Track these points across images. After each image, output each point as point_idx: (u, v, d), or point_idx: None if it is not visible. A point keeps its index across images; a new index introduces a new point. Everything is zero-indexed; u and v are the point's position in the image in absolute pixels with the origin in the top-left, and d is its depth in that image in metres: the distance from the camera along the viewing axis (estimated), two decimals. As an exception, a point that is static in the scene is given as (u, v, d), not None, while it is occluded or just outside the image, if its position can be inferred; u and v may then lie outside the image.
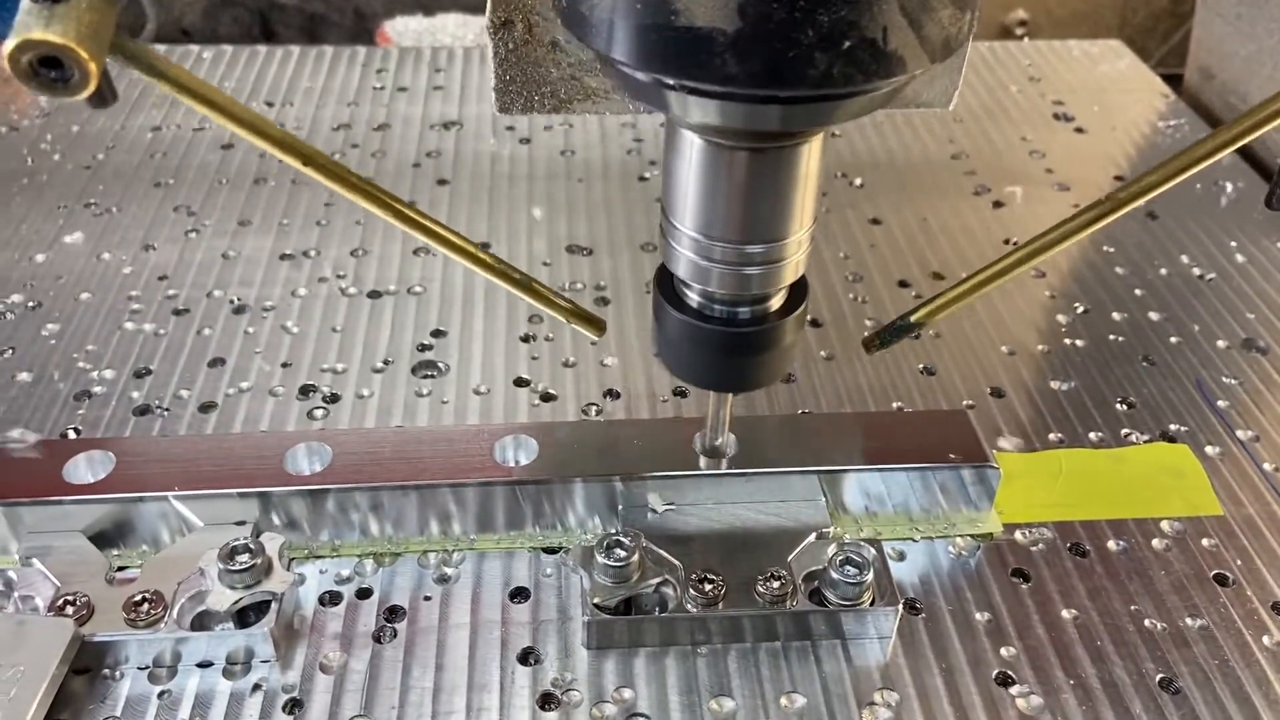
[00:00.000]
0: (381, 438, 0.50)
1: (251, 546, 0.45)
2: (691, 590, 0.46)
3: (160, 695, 0.43)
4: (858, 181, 0.77)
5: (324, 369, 0.59)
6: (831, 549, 0.47)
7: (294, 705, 0.43)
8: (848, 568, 0.46)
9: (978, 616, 0.48)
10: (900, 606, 0.46)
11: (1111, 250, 0.70)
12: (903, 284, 0.67)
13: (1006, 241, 0.71)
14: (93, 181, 0.73)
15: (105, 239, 0.68)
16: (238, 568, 0.45)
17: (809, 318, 0.63)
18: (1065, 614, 0.48)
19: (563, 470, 0.49)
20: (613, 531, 0.46)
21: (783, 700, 0.44)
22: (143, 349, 0.60)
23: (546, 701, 0.44)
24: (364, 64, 0.88)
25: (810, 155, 0.37)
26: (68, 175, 0.74)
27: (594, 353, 0.61)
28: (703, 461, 0.49)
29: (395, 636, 0.46)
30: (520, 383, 0.58)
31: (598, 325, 0.45)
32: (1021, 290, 0.67)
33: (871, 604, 0.46)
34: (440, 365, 0.59)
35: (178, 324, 0.62)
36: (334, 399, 0.57)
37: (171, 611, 0.44)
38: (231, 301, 0.63)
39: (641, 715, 0.43)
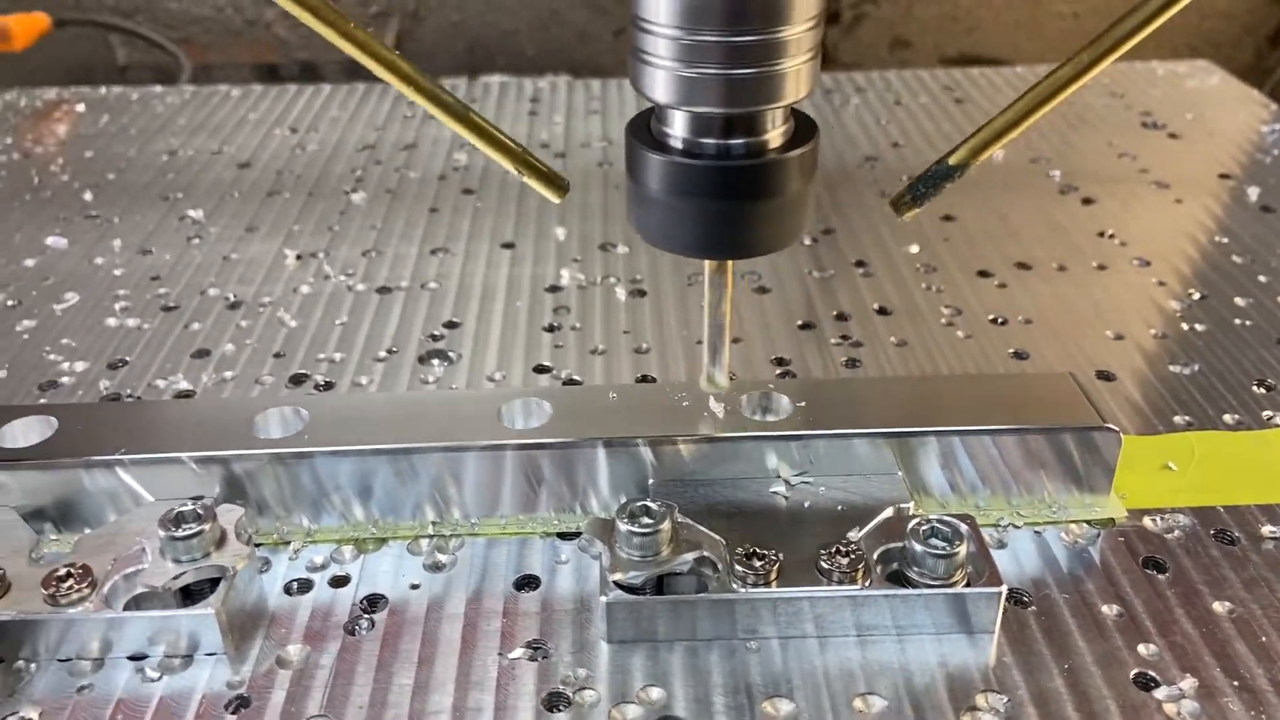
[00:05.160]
0: (368, 402, 0.42)
1: (200, 511, 0.37)
2: (738, 567, 0.36)
3: (80, 690, 0.35)
4: (926, 184, 0.69)
5: (320, 358, 0.52)
6: (913, 521, 0.37)
7: (240, 704, 0.35)
8: (935, 540, 0.37)
9: (1104, 610, 0.38)
10: (1004, 591, 0.36)
11: (1225, 240, 0.61)
12: (983, 274, 0.58)
13: (1101, 234, 0.62)
14: (99, 197, 0.68)
15: (100, 245, 0.62)
16: (183, 534, 0.37)
17: (879, 306, 0.55)
18: (1218, 607, 0.38)
19: (581, 434, 0.40)
20: (636, 498, 0.38)
21: (856, 703, 0.34)
22: (122, 342, 0.53)
23: (554, 701, 0.34)
24: (396, 97, 0.83)
25: None
26: (73, 193, 0.69)
27: (627, 341, 0.53)
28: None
29: (373, 628, 0.37)
30: (541, 369, 0.51)
31: (558, 185, 0.37)
32: (1122, 278, 0.58)
33: (968, 585, 0.36)
34: (451, 354, 0.52)
35: (165, 319, 0.55)
36: (327, 387, 0.50)
37: (101, 589, 0.36)
38: (227, 299, 0.57)
39: (675, 718, 0.34)
